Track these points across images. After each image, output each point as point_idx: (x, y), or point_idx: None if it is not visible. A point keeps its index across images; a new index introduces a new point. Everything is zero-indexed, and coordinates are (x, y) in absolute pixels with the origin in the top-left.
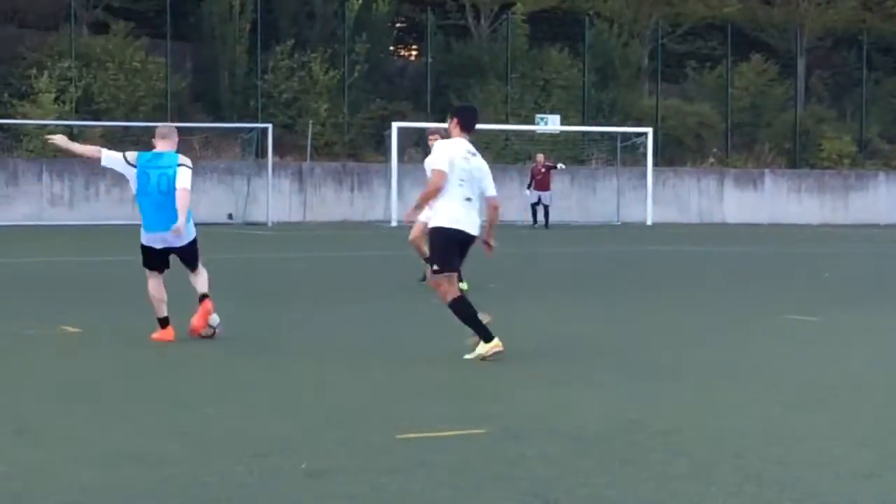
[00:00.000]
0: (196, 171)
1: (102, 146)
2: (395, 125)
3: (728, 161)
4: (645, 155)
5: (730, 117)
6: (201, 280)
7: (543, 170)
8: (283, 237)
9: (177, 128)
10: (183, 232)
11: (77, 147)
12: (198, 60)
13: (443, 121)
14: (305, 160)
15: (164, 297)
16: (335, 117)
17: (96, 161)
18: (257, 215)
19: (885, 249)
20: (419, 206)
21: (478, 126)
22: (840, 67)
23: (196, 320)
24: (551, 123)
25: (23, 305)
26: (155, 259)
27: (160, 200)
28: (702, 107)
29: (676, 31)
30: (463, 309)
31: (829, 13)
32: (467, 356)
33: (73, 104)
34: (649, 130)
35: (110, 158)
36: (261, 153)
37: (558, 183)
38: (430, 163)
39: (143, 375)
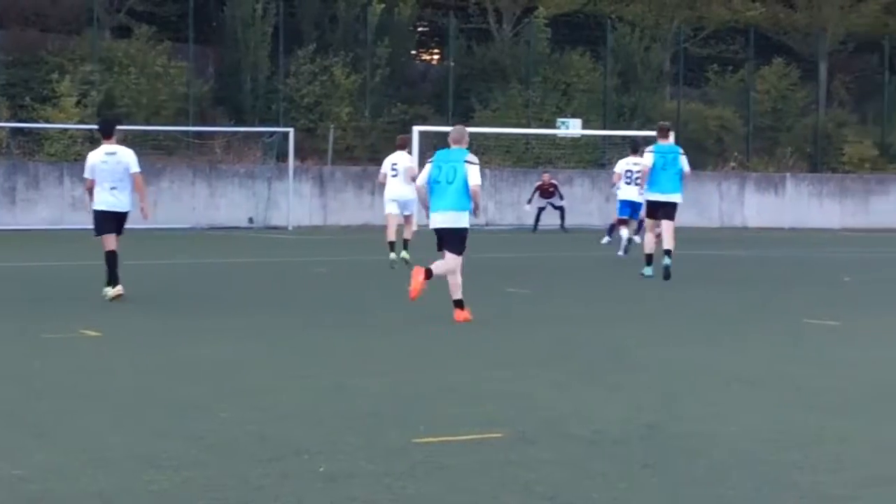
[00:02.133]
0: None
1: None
2: (416, 129)
3: (749, 165)
4: None
5: (751, 121)
6: (455, 280)
7: (551, 188)
8: (303, 241)
9: (197, 132)
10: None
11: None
12: (220, 64)
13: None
14: (327, 164)
15: (458, 280)
16: (356, 121)
17: (421, 189)
18: (278, 219)
19: None
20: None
21: (501, 130)
22: (862, 71)
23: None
24: (572, 127)
25: (44, 309)
26: (440, 238)
27: (444, 187)
28: (723, 111)
29: (698, 35)
30: (107, 259)
31: (851, 17)
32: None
33: (95, 108)
34: (671, 134)
35: (421, 178)
36: (282, 157)
37: (578, 188)
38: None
39: (160, 379)
